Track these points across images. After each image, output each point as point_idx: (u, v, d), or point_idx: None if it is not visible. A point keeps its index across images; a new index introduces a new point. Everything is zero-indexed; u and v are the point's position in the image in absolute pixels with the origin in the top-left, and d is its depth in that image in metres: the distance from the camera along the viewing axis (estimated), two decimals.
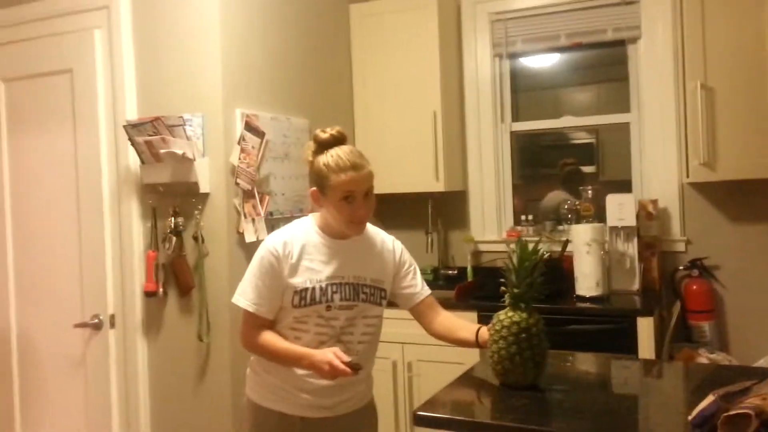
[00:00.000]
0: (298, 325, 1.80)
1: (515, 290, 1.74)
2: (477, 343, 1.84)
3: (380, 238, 1.93)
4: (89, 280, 2.78)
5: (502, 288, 1.77)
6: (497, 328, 1.73)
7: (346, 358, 1.66)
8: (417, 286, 1.93)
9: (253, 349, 1.82)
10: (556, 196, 3.65)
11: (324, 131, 1.79)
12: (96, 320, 2.74)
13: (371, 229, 1.92)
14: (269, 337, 1.78)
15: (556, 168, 3.68)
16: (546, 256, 3.21)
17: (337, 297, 1.79)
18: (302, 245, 1.81)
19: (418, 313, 1.96)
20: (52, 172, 2.90)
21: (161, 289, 2.68)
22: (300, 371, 1.78)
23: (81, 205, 2.81)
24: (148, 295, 2.69)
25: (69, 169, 2.83)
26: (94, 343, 2.76)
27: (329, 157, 1.75)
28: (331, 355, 1.66)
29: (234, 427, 2.56)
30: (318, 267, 1.79)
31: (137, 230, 2.74)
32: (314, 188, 1.81)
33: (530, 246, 1.75)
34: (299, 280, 1.77)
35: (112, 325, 2.74)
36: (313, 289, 1.77)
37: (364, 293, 1.81)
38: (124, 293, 2.73)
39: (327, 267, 1.79)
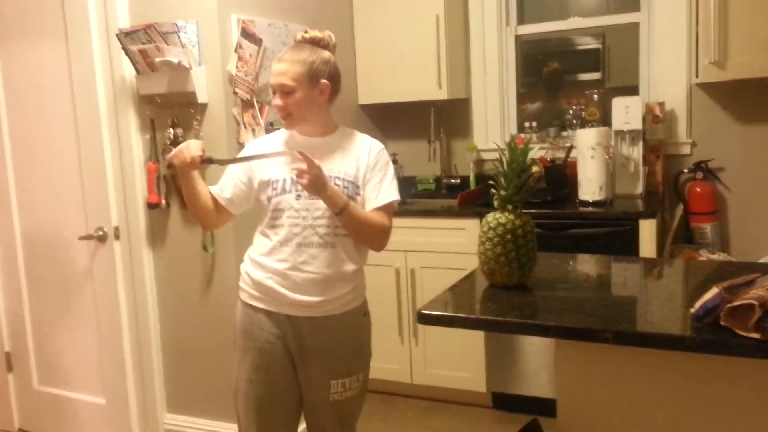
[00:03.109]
0: (274, 221, 1.86)
1: (503, 192, 1.74)
2: None
3: (361, 140, 1.92)
4: (91, 194, 2.78)
5: (492, 191, 1.77)
6: (484, 229, 1.75)
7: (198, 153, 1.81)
8: (372, 194, 1.87)
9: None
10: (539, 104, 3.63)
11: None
12: (100, 233, 2.75)
13: (356, 133, 1.95)
14: None
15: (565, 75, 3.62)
16: (549, 161, 3.25)
17: None
18: (277, 142, 1.94)
19: None
20: (47, 86, 2.84)
21: (164, 201, 2.69)
22: (266, 265, 1.87)
23: (78, 119, 2.76)
24: (151, 206, 2.69)
25: (64, 81, 2.77)
26: (100, 255, 2.79)
27: None
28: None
29: None
30: (290, 161, 1.81)
31: (137, 142, 2.72)
32: None
33: (519, 149, 1.73)
34: (272, 173, 1.87)
35: (117, 237, 2.76)
36: (284, 180, 1.84)
37: (336, 185, 1.82)
38: (126, 205, 2.74)
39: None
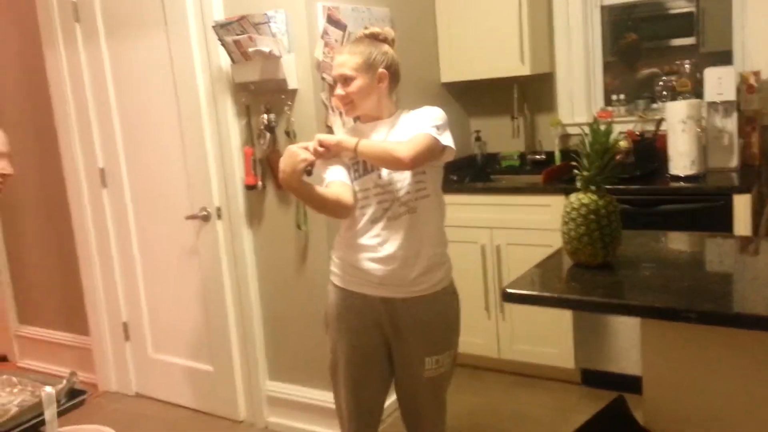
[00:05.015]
0: (363, 200, 1.95)
1: (585, 173, 1.76)
2: None
3: (413, 112, 1.98)
4: (195, 177, 2.99)
5: (575, 171, 1.80)
6: (567, 210, 1.78)
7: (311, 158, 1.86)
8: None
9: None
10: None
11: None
12: (204, 212, 2.96)
13: (413, 111, 1.99)
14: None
15: (653, 42, 3.51)
16: (637, 135, 3.19)
17: None
18: (350, 130, 2.08)
19: None
20: (150, 76, 3.06)
21: (260, 182, 2.85)
22: (359, 245, 1.95)
23: (181, 107, 2.97)
24: (249, 188, 2.87)
25: (166, 71, 2.98)
26: (204, 234, 3.01)
27: None
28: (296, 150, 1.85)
29: None
30: None
31: (233, 128, 2.88)
32: None
33: (603, 128, 1.74)
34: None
35: (219, 216, 2.96)
36: (362, 161, 1.93)
37: None
38: (227, 187, 2.92)
39: None
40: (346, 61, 1.93)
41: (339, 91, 1.95)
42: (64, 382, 1.71)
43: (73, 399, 1.71)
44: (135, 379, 3.49)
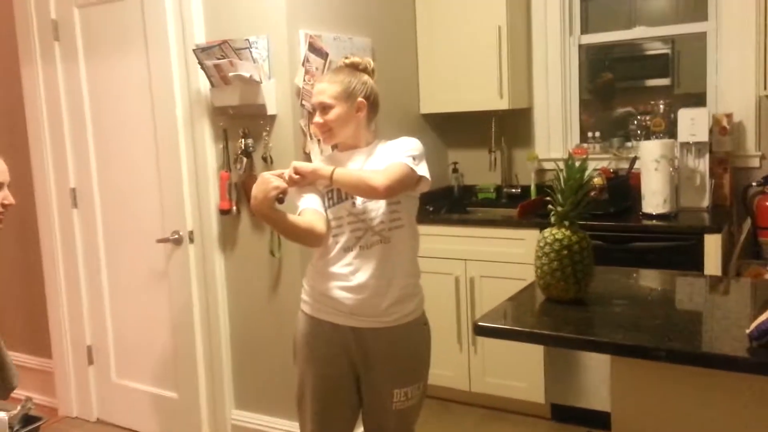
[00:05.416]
0: (336, 229, 1.93)
1: (560, 208, 1.78)
2: None
3: (391, 142, 1.99)
4: (168, 199, 2.95)
5: (549, 206, 1.81)
6: (541, 245, 1.79)
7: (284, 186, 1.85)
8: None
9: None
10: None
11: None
12: (176, 236, 2.92)
13: (390, 141, 2.00)
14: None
15: (629, 82, 3.58)
16: (612, 173, 3.23)
17: None
18: (327, 159, 2.08)
19: None
20: (128, 97, 3.04)
21: (234, 207, 2.83)
22: (331, 274, 1.93)
23: (157, 129, 2.94)
24: (223, 212, 2.84)
25: (144, 92, 2.96)
26: (175, 257, 2.96)
27: None
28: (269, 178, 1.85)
29: None
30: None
31: (210, 151, 2.86)
32: None
33: (577, 164, 1.76)
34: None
35: (191, 240, 2.92)
36: (337, 189, 1.92)
37: None
38: (200, 211, 2.89)
39: None
40: (326, 89, 1.94)
41: (318, 119, 1.95)
42: (19, 407, 1.65)
43: (27, 425, 1.65)
44: (97, 404, 3.39)
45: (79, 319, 3.34)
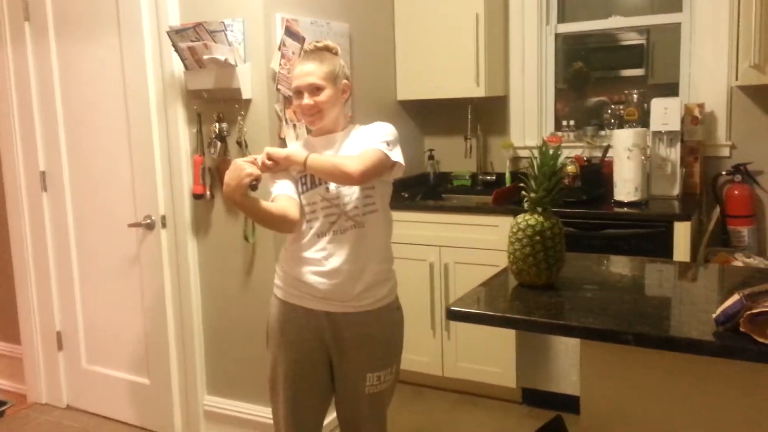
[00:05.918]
0: (310, 214, 1.92)
1: (533, 195, 1.79)
2: None
3: (366, 126, 1.99)
4: (140, 183, 2.91)
5: (522, 192, 1.82)
6: (514, 230, 1.81)
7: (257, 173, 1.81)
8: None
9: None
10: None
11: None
12: (148, 221, 2.89)
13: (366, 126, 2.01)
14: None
15: (604, 72, 3.61)
16: (585, 161, 3.27)
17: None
18: (302, 144, 2.05)
19: None
20: (100, 78, 2.98)
21: (208, 192, 2.80)
22: (304, 259, 1.92)
23: (129, 112, 2.90)
24: (196, 197, 2.81)
25: (116, 74, 2.90)
26: (147, 243, 2.93)
27: None
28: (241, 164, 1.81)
29: None
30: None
31: (184, 135, 2.83)
32: None
33: (551, 152, 1.77)
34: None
35: (164, 225, 2.89)
36: (311, 175, 1.91)
37: None
38: (173, 195, 2.86)
39: None
40: (314, 70, 1.91)
41: (307, 100, 1.91)
42: None
43: None
44: (67, 390, 3.35)
45: (48, 305, 3.29)
